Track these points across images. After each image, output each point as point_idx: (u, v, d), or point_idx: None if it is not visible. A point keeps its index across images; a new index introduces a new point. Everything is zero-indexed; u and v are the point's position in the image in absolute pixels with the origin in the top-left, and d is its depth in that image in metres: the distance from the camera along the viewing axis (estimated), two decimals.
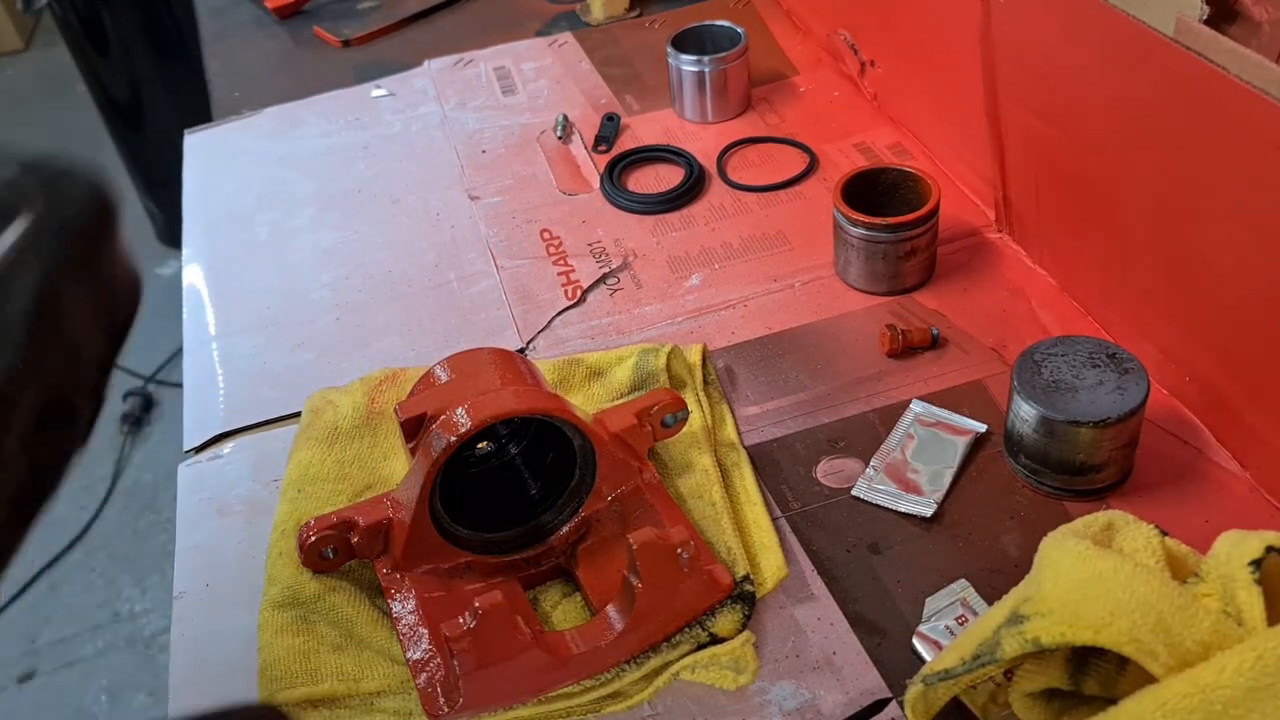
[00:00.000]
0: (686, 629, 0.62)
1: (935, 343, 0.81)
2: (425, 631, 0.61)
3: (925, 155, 1.00)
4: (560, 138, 1.09)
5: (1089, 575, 0.49)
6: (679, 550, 0.61)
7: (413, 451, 0.64)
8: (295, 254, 0.98)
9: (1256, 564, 0.48)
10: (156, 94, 2.20)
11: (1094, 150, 0.74)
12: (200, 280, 0.97)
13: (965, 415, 0.74)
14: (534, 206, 1.01)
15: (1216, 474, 0.70)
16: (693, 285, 0.90)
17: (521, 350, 0.85)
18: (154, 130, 2.25)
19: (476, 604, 0.56)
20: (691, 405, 0.75)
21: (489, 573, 0.64)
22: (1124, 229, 0.74)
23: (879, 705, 0.60)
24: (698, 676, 0.62)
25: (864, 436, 0.75)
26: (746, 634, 0.62)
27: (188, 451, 0.80)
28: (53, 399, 0.37)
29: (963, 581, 0.65)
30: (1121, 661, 0.49)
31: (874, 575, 0.66)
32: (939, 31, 0.90)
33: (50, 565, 1.97)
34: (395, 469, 0.74)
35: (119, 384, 2.25)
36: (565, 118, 1.10)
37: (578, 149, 1.07)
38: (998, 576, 0.65)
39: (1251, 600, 0.47)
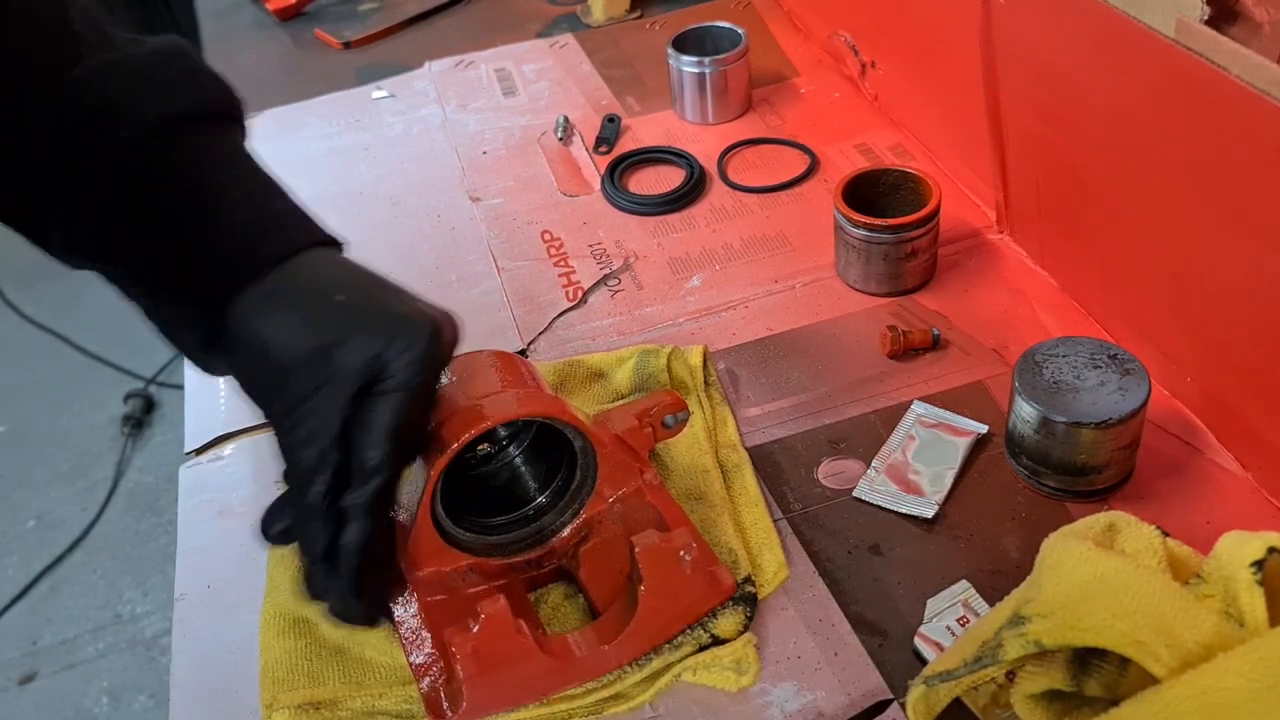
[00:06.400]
0: (688, 630, 0.62)
1: (936, 344, 0.81)
2: (428, 635, 0.61)
3: (926, 156, 1.00)
4: (561, 139, 1.09)
5: (1090, 576, 0.49)
6: (681, 553, 0.61)
7: None
8: None
9: (1258, 565, 0.48)
10: None
11: (1095, 151, 0.74)
12: None
13: (966, 416, 0.74)
14: (535, 208, 1.01)
15: (1218, 475, 0.70)
16: (693, 286, 0.90)
17: (522, 352, 0.85)
18: None
19: (479, 610, 0.57)
20: (692, 406, 0.75)
21: (491, 575, 0.64)
22: (1125, 230, 0.74)
23: (880, 706, 0.60)
24: (700, 678, 0.62)
25: (865, 438, 0.75)
26: (748, 635, 0.62)
27: (189, 453, 0.80)
28: None
29: (964, 583, 0.65)
30: (1123, 663, 0.49)
31: (875, 576, 0.66)
32: (940, 33, 0.90)
33: (51, 567, 1.97)
34: None
35: (120, 385, 2.25)
36: (566, 119, 1.10)
37: (578, 150, 1.08)
38: (999, 578, 0.65)
39: (1253, 601, 0.47)
